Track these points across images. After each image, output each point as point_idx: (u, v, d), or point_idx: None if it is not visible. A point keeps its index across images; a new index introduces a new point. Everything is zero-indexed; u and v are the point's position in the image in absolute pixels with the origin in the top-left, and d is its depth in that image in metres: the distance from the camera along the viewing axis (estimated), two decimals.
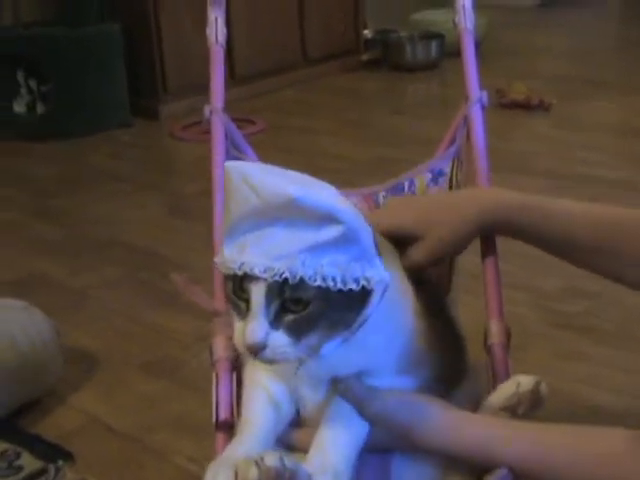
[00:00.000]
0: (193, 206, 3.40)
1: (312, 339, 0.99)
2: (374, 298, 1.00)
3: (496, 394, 1.19)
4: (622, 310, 2.43)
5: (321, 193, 0.96)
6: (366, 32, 5.71)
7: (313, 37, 5.32)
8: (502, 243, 1.35)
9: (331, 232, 0.95)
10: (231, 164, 0.97)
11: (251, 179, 0.95)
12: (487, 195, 1.32)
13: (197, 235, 2.82)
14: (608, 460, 1.05)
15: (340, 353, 1.03)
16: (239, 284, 0.98)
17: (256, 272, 0.95)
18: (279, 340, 0.98)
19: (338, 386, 1.09)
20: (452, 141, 1.48)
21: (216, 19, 1.52)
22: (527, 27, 6.82)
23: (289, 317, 0.97)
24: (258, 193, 0.94)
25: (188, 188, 3.65)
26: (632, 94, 4.69)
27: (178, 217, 3.39)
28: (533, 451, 1.07)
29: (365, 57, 5.59)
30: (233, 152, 1.47)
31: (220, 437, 1.25)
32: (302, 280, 0.94)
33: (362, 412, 1.08)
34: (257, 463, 0.98)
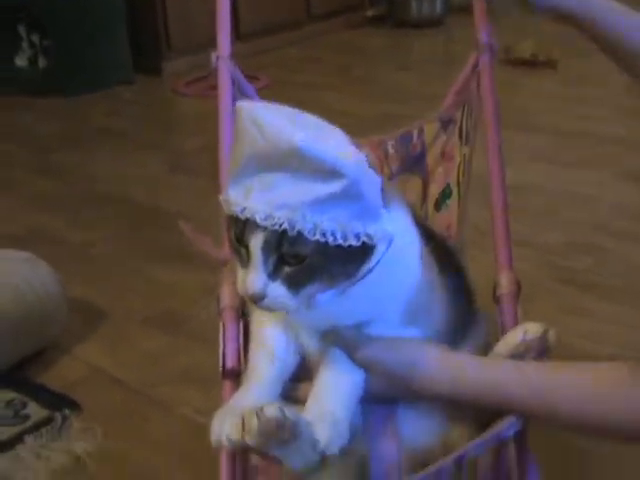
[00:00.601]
0: (194, 162, 3.39)
1: (311, 290, 0.99)
2: (377, 253, 0.99)
3: (503, 341, 1.18)
4: (627, 266, 2.43)
5: (328, 143, 0.94)
6: None
7: None
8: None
9: (333, 186, 0.93)
10: (243, 104, 0.96)
11: (260, 121, 0.93)
12: None
13: (199, 190, 2.96)
14: (616, 391, 1.04)
15: (343, 302, 1.03)
16: (241, 230, 0.98)
17: (257, 219, 0.94)
18: (277, 291, 0.98)
19: (328, 334, 1.09)
20: (461, 90, 1.46)
21: None
22: None
23: (287, 269, 0.97)
24: (265, 136, 0.93)
25: (190, 144, 3.63)
26: None
27: (180, 173, 3.38)
28: (540, 388, 1.07)
29: (370, 13, 5.55)
30: (240, 99, 1.45)
31: (227, 385, 1.24)
32: (300, 234, 0.94)
33: (353, 357, 1.07)
34: (257, 414, 0.98)
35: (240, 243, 0.99)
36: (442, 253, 1.19)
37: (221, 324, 1.28)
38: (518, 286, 1.29)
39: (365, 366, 1.08)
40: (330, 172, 0.92)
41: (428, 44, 5.22)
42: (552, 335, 1.16)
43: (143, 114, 4.22)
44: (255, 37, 4.92)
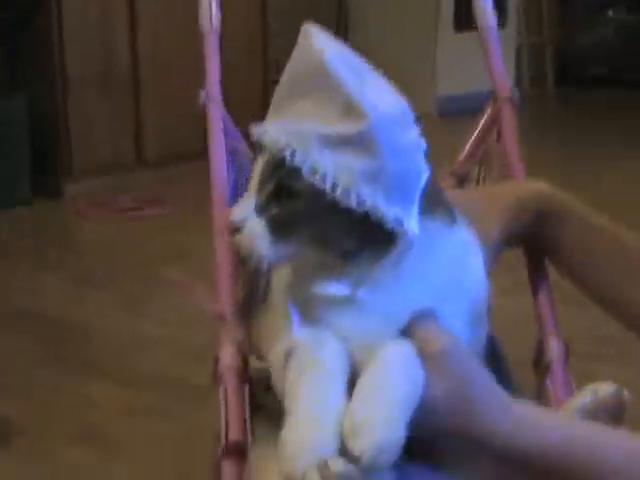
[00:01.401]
0: (99, 278, 3.29)
1: (290, 246, 0.87)
2: (391, 245, 0.85)
3: (571, 402, 1.01)
4: None
5: (362, 81, 0.84)
6: None
7: None
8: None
9: (349, 127, 0.83)
10: (309, 25, 0.88)
11: (311, 38, 0.86)
12: (529, 185, 1.17)
13: (106, 304, 2.92)
14: None
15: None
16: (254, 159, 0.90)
17: (265, 140, 0.86)
18: (256, 228, 0.87)
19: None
20: (478, 143, 1.33)
21: (210, 2, 1.34)
22: None
23: (275, 208, 0.86)
24: (302, 54, 0.87)
25: (94, 262, 3.54)
26: None
27: (86, 288, 3.22)
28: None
29: None
30: (230, 143, 1.29)
31: (229, 464, 1.02)
32: (298, 170, 0.84)
33: (424, 349, 0.85)
34: (320, 469, 0.80)
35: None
36: None
37: (222, 389, 1.06)
38: (567, 349, 1.13)
39: (433, 367, 0.85)
40: (351, 107, 0.83)
41: None
42: (627, 395, 0.99)
43: (44, 235, 4.06)
44: (160, 165, 4.76)
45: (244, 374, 1.07)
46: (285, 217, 0.86)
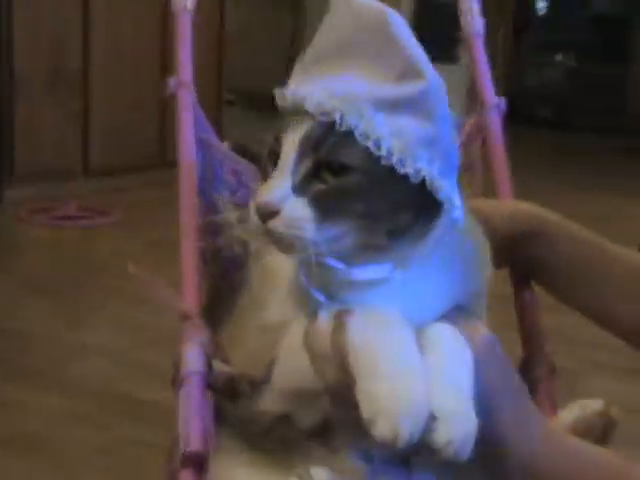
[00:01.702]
0: (41, 284, 3.17)
1: (338, 227, 0.76)
2: (437, 222, 0.78)
3: (557, 418, 0.95)
4: None
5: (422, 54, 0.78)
6: (225, 144, 5.51)
7: (173, 140, 5.05)
8: None
9: (409, 88, 0.76)
10: None
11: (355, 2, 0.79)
12: (517, 204, 1.13)
13: (48, 310, 2.82)
14: None
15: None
16: (279, 130, 0.78)
17: (305, 104, 0.75)
18: (299, 210, 0.75)
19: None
20: (463, 150, 1.27)
21: None
22: None
23: (319, 186, 0.76)
24: (354, 12, 0.78)
25: (36, 268, 3.41)
26: None
27: (28, 294, 3.09)
28: None
29: None
30: (199, 134, 1.21)
31: (187, 476, 0.94)
32: (350, 136, 0.74)
33: (474, 336, 0.79)
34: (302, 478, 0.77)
35: (273, 158, 0.77)
36: None
37: (183, 393, 0.97)
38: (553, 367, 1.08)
39: (489, 352, 0.79)
40: (410, 68, 0.77)
41: None
42: (615, 410, 0.95)
43: None
44: (106, 174, 4.64)
45: (207, 378, 0.98)
46: (333, 193, 0.76)
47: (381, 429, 0.70)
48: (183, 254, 1.06)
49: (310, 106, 0.75)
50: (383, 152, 0.74)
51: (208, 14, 4.80)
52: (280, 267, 0.87)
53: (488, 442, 0.76)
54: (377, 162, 0.75)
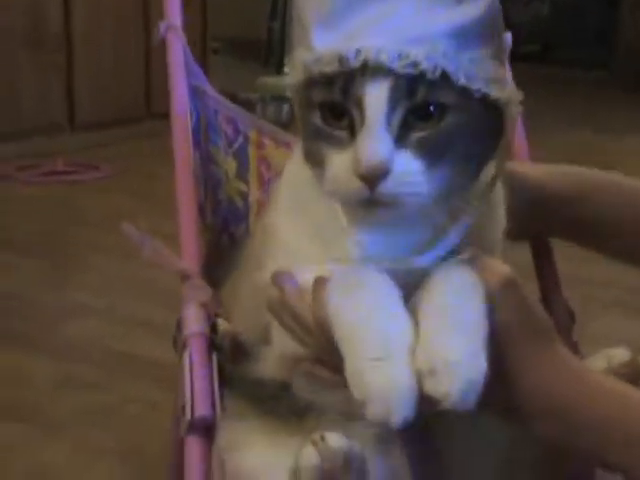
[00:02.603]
0: (25, 244, 3.07)
1: (446, 170, 0.72)
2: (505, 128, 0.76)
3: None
4: None
5: None
6: None
7: (159, 92, 4.97)
8: None
9: (473, 9, 0.72)
10: None
11: None
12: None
13: (32, 271, 2.75)
14: None
15: None
16: (345, 86, 0.70)
17: (383, 59, 0.69)
18: (408, 164, 0.70)
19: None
20: None
21: None
22: None
23: (419, 133, 0.71)
24: None
25: (21, 227, 3.28)
26: None
27: (10, 254, 2.98)
28: None
29: None
30: (192, 81, 1.15)
31: (194, 442, 0.89)
32: (443, 78, 0.70)
33: (492, 276, 0.75)
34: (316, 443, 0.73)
35: (335, 121, 0.71)
36: None
37: (187, 356, 0.93)
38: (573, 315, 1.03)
39: (508, 293, 0.75)
40: None
41: None
42: None
43: None
44: (94, 128, 4.55)
45: (211, 340, 0.93)
46: (437, 138, 0.72)
47: (373, 412, 0.68)
48: (180, 210, 1.01)
49: (391, 62, 0.69)
50: (475, 86, 0.71)
51: None
52: (279, 228, 0.83)
53: (504, 381, 0.73)
54: (469, 96, 0.71)
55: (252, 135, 1.18)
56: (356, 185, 0.70)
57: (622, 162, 4.32)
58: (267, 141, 1.19)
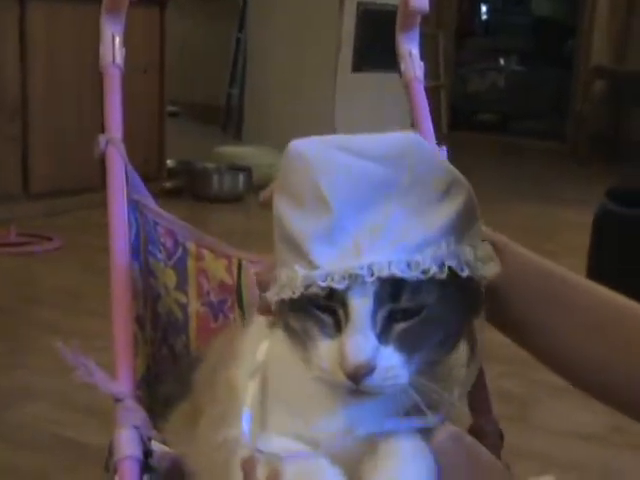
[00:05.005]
0: None
1: (423, 355, 0.74)
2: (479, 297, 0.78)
3: None
4: None
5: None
6: (169, 162, 5.46)
7: None
8: None
9: (458, 198, 0.75)
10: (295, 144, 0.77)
11: (346, 143, 0.75)
12: None
13: None
14: None
15: None
16: (332, 293, 0.72)
17: (396, 272, 0.70)
18: (391, 359, 0.72)
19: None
20: None
21: (113, 37, 1.23)
22: None
23: (400, 326, 0.73)
24: (361, 153, 0.74)
25: None
26: None
27: None
28: None
29: (168, 185, 5.32)
30: (132, 194, 1.16)
31: None
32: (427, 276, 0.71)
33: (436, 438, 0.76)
34: None
35: (325, 307, 0.73)
36: None
37: None
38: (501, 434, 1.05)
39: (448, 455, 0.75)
40: (450, 181, 0.75)
41: (227, 219, 5.03)
42: None
43: None
44: (48, 197, 4.54)
45: (145, 464, 0.93)
46: (414, 330, 0.73)
47: None
48: (115, 329, 1.01)
49: (401, 270, 0.70)
50: (466, 273, 0.73)
51: (149, 25, 4.73)
52: (242, 385, 0.84)
53: None
54: (448, 283, 0.72)
55: (191, 247, 1.19)
56: (342, 378, 0.72)
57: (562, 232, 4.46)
58: (206, 252, 1.20)
